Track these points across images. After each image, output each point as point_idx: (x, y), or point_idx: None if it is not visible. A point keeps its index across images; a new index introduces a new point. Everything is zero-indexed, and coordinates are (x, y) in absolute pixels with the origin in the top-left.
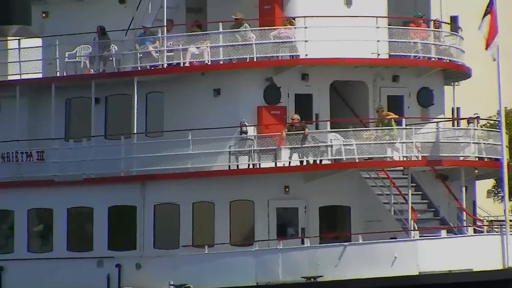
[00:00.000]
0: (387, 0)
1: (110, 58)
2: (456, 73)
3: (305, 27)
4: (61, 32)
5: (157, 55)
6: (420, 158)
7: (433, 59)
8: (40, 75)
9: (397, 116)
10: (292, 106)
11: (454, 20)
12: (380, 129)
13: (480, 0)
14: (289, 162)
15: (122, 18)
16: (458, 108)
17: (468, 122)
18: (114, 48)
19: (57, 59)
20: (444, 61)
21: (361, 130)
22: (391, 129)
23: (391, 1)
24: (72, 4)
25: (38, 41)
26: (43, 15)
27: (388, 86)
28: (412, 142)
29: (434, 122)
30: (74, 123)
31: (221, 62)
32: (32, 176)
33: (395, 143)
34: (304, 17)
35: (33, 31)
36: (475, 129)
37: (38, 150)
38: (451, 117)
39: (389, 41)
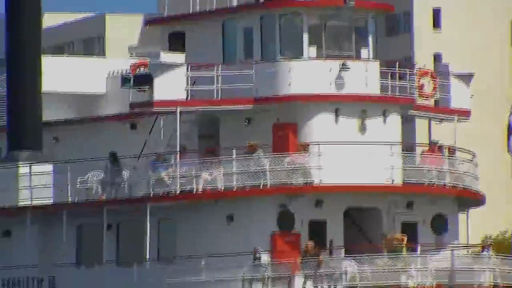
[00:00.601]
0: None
1: (122, 185)
2: (471, 200)
3: (319, 154)
4: (71, 157)
5: (169, 182)
6: (434, 285)
7: (448, 186)
8: (50, 200)
9: (404, 242)
10: (306, 233)
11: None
12: (394, 255)
13: None
14: None
15: (133, 143)
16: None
17: (483, 249)
18: (126, 174)
19: (68, 185)
20: (459, 188)
21: (375, 256)
22: (405, 256)
23: None
24: (82, 129)
25: (48, 167)
26: (53, 140)
27: (402, 213)
28: (427, 269)
29: (449, 249)
30: (85, 249)
31: (235, 189)
32: None
33: (409, 270)
34: (318, 143)
35: (43, 156)
36: (489, 257)
37: (49, 276)
38: (465, 243)
39: (404, 168)
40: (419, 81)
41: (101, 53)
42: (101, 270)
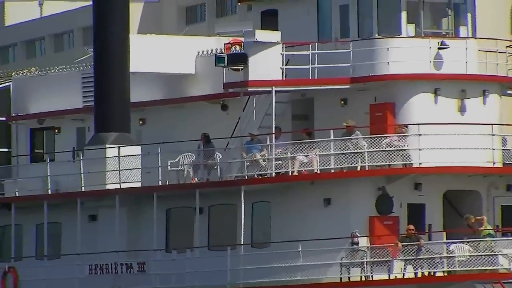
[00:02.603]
0: None
1: (215, 167)
2: None
3: (419, 135)
4: (157, 140)
5: (265, 164)
6: None
7: None
8: (137, 184)
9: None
10: (405, 216)
11: None
12: (493, 240)
13: None
14: (403, 274)
15: (224, 124)
16: None
17: None
18: (219, 156)
19: (159, 168)
20: None
21: (476, 240)
22: (499, 240)
23: None
24: (170, 110)
25: (135, 149)
26: (140, 122)
27: (502, 195)
28: None
29: None
30: (175, 234)
31: (332, 171)
32: None
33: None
34: (418, 124)
35: (131, 138)
36: None
37: (139, 261)
38: None
39: (504, 149)
40: None
41: None
42: (192, 255)
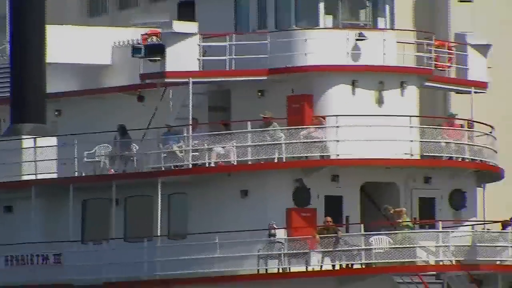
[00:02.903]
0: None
1: (132, 158)
2: (489, 174)
3: (337, 126)
4: (74, 131)
5: (182, 155)
6: (454, 262)
7: (467, 160)
8: (53, 175)
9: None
10: (322, 208)
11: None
12: (412, 232)
13: None
14: (321, 266)
15: (140, 115)
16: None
17: (504, 226)
18: (135, 148)
19: (75, 159)
20: (477, 161)
21: (393, 233)
22: (418, 232)
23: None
24: (87, 101)
25: (51, 140)
26: (56, 113)
27: (420, 188)
28: (447, 246)
29: (467, 225)
30: (91, 225)
31: (249, 163)
32: (48, 280)
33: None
34: (336, 115)
35: (46, 129)
36: None
37: (55, 253)
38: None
39: (422, 141)
40: (435, 52)
41: None
42: (109, 247)
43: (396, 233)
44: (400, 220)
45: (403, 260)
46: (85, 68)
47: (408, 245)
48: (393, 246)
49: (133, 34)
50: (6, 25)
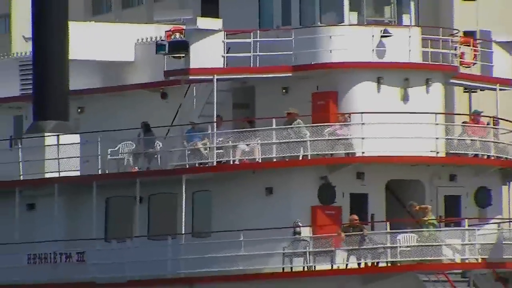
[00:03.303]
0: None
1: (155, 156)
2: None
3: (362, 124)
4: (97, 128)
5: (206, 153)
6: (480, 260)
7: (492, 158)
8: (76, 173)
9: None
10: (347, 206)
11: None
12: (436, 230)
13: None
14: (346, 265)
15: (164, 113)
16: None
17: None
18: (159, 145)
19: (99, 156)
20: (503, 159)
21: (419, 231)
22: (440, 230)
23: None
24: (109, 99)
25: (74, 137)
26: (78, 110)
27: (445, 185)
28: (473, 244)
29: (493, 223)
30: (114, 223)
31: (274, 160)
32: (71, 278)
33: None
34: (361, 113)
35: (69, 127)
36: None
37: (78, 251)
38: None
39: (447, 139)
40: (459, 48)
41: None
42: (132, 245)
43: (421, 231)
44: (426, 218)
45: (429, 258)
46: (108, 64)
47: (433, 243)
48: (420, 244)
49: (156, 31)
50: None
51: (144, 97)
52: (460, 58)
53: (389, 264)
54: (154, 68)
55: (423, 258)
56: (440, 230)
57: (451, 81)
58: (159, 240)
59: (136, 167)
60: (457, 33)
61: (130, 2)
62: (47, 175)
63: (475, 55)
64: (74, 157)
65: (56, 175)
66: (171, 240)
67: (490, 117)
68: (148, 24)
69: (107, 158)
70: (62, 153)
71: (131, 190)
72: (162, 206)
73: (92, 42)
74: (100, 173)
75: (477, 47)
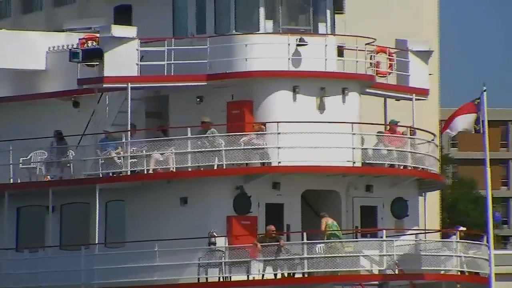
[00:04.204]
0: None
1: (68, 165)
2: (431, 182)
3: (278, 133)
4: (6, 137)
5: (120, 162)
6: (397, 272)
7: (409, 168)
8: None
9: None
10: (263, 216)
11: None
12: (352, 241)
13: None
14: (263, 275)
15: (76, 122)
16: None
17: (449, 235)
18: (72, 154)
19: (10, 165)
20: (419, 169)
21: (334, 242)
22: (362, 241)
23: None
24: (20, 107)
25: None
26: None
27: (361, 196)
28: (391, 255)
29: (410, 234)
30: (26, 233)
31: (189, 169)
32: None
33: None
34: (277, 122)
35: None
36: (457, 242)
37: None
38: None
39: (363, 149)
40: (374, 58)
41: None
42: (45, 255)
43: (323, 242)
44: (323, 229)
45: (347, 269)
46: (18, 73)
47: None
48: (336, 255)
49: (67, 39)
50: None
51: (56, 106)
52: (376, 68)
53: (305, 275)
54: (66, 76)
55: (340, 269)
56: (354, 241)
57: (368, 90)
58: (72, 250)
59: (49, 176)
60: (373, 42)
61: (30, 7)
62: None
63: (390, 64)
64: None
65: None
66: (84, 250)
67: (407, 127)
68: (59, 32)
69: (18, 167)
70: None
71: (43, 200)
72: (75, 216)
73: (2, 49)
74: (11, 182)
75: (392, 56)
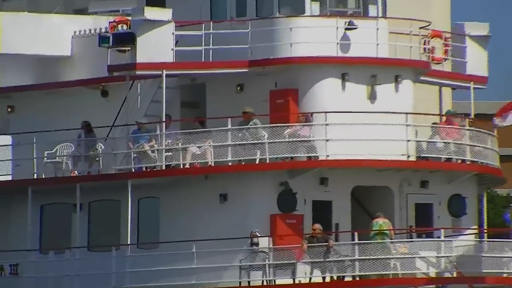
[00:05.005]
0: None
1: (97, 159)
2: (491, 178)
3: (326, 124)
4: (29, 129)
5: (154, 155)
6: (455, 275)
7: (468, 163)
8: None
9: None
10: (310, 215)
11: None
12: (409, 241)
13: None
14: (310, 279)
15: (104, 112)
16: None
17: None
18: (101, 147)
19: (34, 159)
20: (479, 164)
21: (392, 242)
22: (418, 241)
23: None
24: (43, 97)
25: (7, 139)
26: (8, 109)
27: (415, 192)
28: (449, 256)
29: (469, 234)
30: (50, 233)
31: (229, 164)
32: None
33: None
34: (325, 112)
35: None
36: None
37: (11, 263)
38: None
39: (418, 141)
40: (429, 43)
41: None
42: (72, 257)
43: (376, 242)
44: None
45: (400, 272)
46: (41, 59)
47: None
48: (391, 256)
49: (94, 22)
50: None
51: (82, 95)
52: (431, 54)
53: (357, 278)
54: (94, 63)
55: (394, 272)
56: (408, 241)
57: (422, 78)
58: (102, 251)
59: (76, 172)
60: (428, 25)
61: None
62: None
63: (446, 50)
64: (6, 160)
65: None
66: (115, 252)
67: (468, 118)
68: (85, 15)
69: (43, 161)
70: None
71: (70, 197)
72: (104, 214)
73: (23, 34)
74: (35, 177)
75: (448, 41)
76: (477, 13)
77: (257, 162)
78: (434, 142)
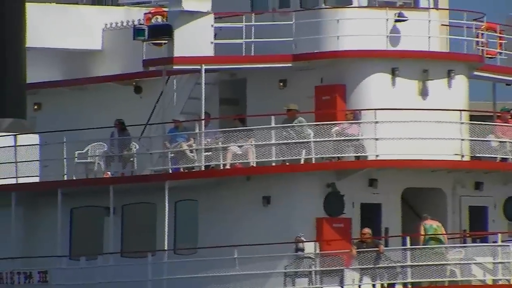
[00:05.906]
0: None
1: (132, 159)
2: None
3: (375, 122)
4: (57, 128)
5: (192, 155)
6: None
7: None
8: (35, 179)
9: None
10: (358, 218)
11: None
12: (464, 246)
13: None
14: (359, 286)
15: (138, 110)
16: None
17: None
18: (135, 147)
19: (64, 160)
20: None
21: (440, 246)
22: (473, 246)
23: None
24: (72, 93)
25: (34, 138)
26: (35, 107)
27: (469, 195)
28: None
29: None
30: (81, 238)
31: (272, 164)
32: None
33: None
34: (374, 109)
35: (27, 125)
36: None
37: (40, 270)
38: None
39: (473, 140)
40: (483, 36)
41: None
42: (104, 263)
43: (428, 247)
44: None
45: (456, 279)
46: (70, 54)
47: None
48: (446, 262)
49: (126, 14)
50: None
51: (114, 91)
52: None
53: (409, 286)
54: (126, 57)
55: (446, 279)
56: (462, 246)
57: (475, 73)
58: (136, 257)
59: (109, 173)
60: (482, 17)
61: None
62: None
63: (500, 43)
64: (34, 160)
65: (13, 181)
66: (151, 258)
67: None
68: (116, 7)
69: (74, 162)
70: (19, 156)
71: (102, 200)
72: (139, 218)
73: (50, 26)
74: (65, 179)
75: (503, 34)
76: None
77: (302, 162)
78: (489, 141)
